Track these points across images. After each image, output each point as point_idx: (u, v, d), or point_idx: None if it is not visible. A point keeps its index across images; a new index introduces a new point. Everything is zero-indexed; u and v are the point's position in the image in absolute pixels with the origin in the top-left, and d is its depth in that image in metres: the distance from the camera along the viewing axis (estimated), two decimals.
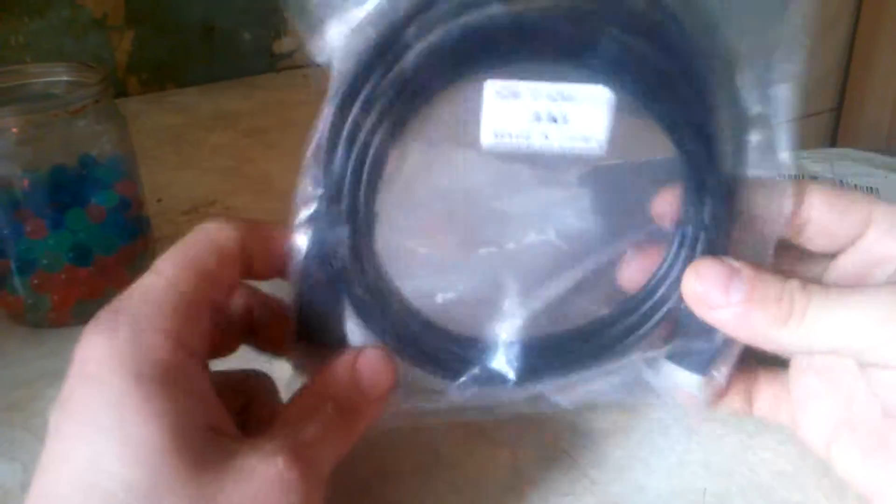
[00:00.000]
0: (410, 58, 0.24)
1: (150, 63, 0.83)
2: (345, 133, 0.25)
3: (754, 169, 0.28)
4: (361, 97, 0.25)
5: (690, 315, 0.28)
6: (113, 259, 0.42)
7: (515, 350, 0.29)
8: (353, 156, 0.25)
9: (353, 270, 0.27)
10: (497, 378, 0.29)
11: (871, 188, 0.47)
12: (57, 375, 0.31)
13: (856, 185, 0.47)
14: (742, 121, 0.27)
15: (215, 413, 0.24)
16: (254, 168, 0.63)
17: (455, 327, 0.29)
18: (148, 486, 0.21)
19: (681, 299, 0.28)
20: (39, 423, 0.35)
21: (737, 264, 0.27)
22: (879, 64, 1.52)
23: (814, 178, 0.48)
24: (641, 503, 0.30)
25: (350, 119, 0.25)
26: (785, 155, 0.27)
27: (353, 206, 0.26)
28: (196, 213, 0.56)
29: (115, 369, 0.22)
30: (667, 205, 0.29)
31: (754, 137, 0.27)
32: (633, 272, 0.30)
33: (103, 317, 0.24)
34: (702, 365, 0.29)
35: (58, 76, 0.43)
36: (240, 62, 0.89)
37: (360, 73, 0.25)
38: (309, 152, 0.26)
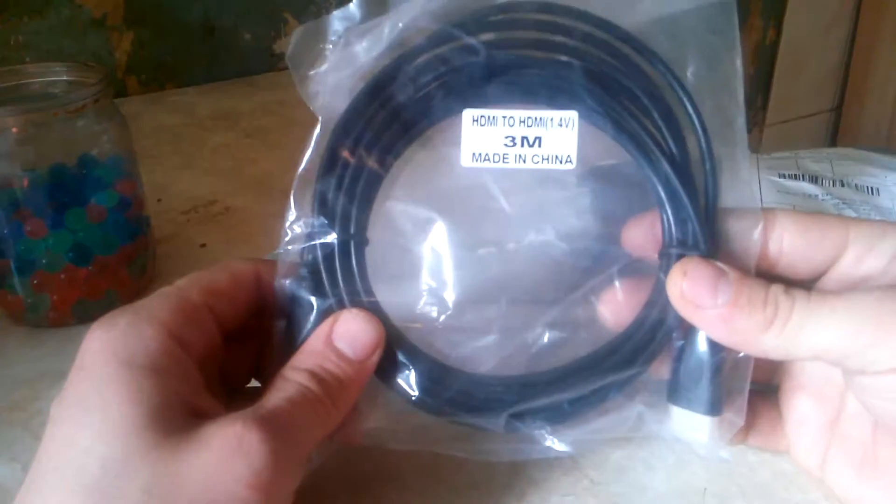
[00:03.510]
0: (400, 100, 0.28)
1: (150, 63, 0.83)
2: (338, 167, 0.28)
3: (725, 200, 0.28)
4: (353, 135, 0.28)
5: (688, 346, 0.28)
6: (113, 259, 0.42)
7: (506, 388, 0.29)
8: (345, 185, 0.28)
9: (342, 291, 0.28)
10: (486, 415, 0.28)
11: (871, 188, 0.47)
12: (57, 375, 0.31)
13: (856, 185, 0.47)
14: (709, 149, 0.28)
15: (199, 396, 0.25)
16: (254, 168, 0.63)
17: (447, 359, 0.29)
18: (120, 459, 0.23)
19: (675, 328, 0.28)
20: (39, 422, 0.35)
21: (723, 267, 0.27)
22: (879, 64, 1.52)
23: (814, 177, 0.48)
24: (642, 503, 0.30)
25: (342, 155, 0.28)
26: (754, 187, 0.28)
27: (345, 229, 0.29)
28: (196, 213, 0.55)
29: (107, 358, 0.24)
30: (641, 232, 0.29)
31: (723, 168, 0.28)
32: (619, 309, 0.30)
33: (109, 314, 0.26)
34: (710, 403, 0.28)
35: (57, 76, 0.43)
36: (240, 62, 0.89)
37: (353, 115, 0.28)
38: (295, 183, 0.29)
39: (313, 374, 0.26)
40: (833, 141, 1.62)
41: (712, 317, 0.26)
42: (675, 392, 0.29)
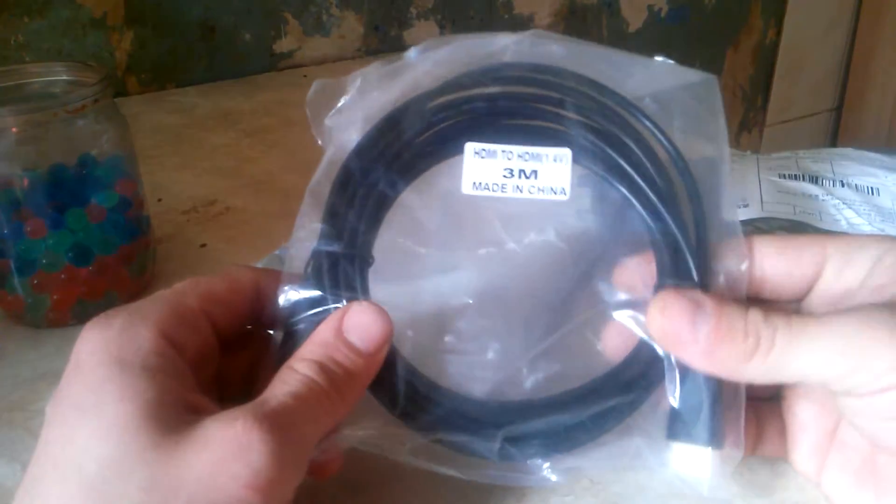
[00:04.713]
0: (410, 135, 0.30)
1: (150, 63, 0.83)
2: (350, 185, 0.30)
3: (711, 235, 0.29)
4: (367, 159, 0.30)
5: (686, 378, 0.28)
6: (113, 259, 0.42)
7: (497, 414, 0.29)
8: (356, 203, 0.30)
9: (344, 302, 0.29)
10: (479, 438, 0.28)
11: (871, 188, 0.47)
12: (57, 375, 0.31)
13: (856, 185, 0.47)
14: (693, 187, 0.29)
15: (193, 395, 0.25)
16: (254, 168, 0.63)
17: (441, 379, 0.29)
18: (117, 458, 0.23)
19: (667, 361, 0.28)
20: (39, 423, 0.35)
21: (698, 296, 0.27)
22: (879, 64, 1.52)
23: (814, 177, 0.48)
24: (641, 503, 0.30)
25: (355, 176, 0.30)
26: (735, 221, 0.29)
27: (352, 244, 0.29)
28: (196, 213, 0.55)
29: (101, 358, 0.25)
30: (629, 273, 0.29)
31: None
32: (617, 341, 0.30)
33: (103, 314, 0.26)
34: (711, 435, 0.28)
35: (57, 76, 0.43)
36: (240, 62, 0.89)
37: (368, 142, 0.30)
38: (306, 198, 0.30)
39: (322, 366, 0.26)
40: (833, 141, 1.62)
41: (695, 352, 0.26)
42: (675, 427, 0.28)
